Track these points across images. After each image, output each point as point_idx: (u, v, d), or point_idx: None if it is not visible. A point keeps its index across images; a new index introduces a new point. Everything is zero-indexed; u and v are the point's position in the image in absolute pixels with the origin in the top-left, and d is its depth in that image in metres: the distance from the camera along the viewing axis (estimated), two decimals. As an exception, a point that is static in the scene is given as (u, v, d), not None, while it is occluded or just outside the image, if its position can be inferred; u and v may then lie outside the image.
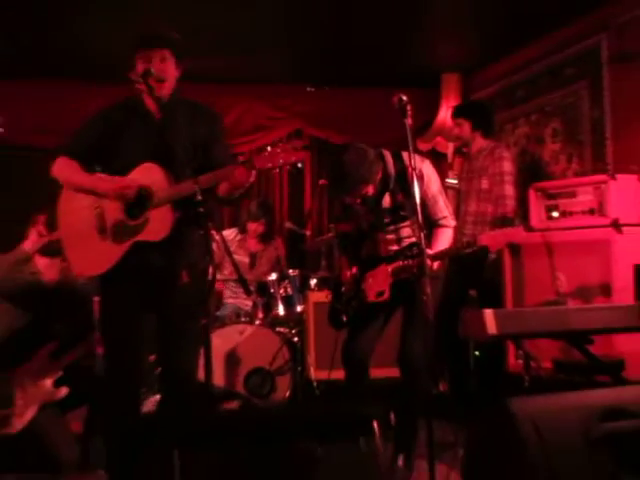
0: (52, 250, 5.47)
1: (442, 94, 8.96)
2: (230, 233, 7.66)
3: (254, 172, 3.96)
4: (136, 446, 2.83)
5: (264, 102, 9.23)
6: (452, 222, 4.98)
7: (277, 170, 9.12)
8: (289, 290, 7.05)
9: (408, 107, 4.40)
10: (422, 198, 4.72)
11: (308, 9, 6.99)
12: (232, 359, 6.54)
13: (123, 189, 4.00)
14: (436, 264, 4.71)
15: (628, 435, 3.05)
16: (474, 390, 6.61)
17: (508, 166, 6.59)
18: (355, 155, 4.74)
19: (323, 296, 6.90)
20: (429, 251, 4.52)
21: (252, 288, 6.92)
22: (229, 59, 8.15)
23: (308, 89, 9.19)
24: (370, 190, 4.82)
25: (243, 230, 7.67)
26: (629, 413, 3.09)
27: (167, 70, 4.10)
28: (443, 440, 5.20)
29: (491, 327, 3.48)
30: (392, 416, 5.05)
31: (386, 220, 4.94)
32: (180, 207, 3.99)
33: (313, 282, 7.30)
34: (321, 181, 8.61)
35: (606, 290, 5.80)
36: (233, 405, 6.34)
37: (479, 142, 6.82)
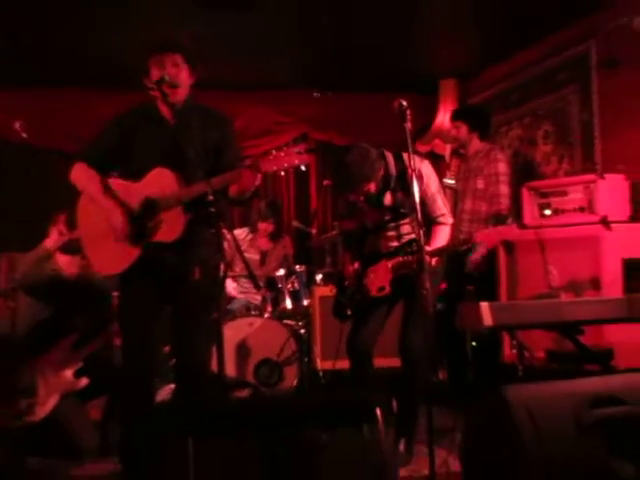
0: (72, 248, 5.47)
1: (440, 99, 8.96)
2: (241, 232, 7.67)
3: (260, 175, 3.95)
4: (151, 433, 2.82)
5: (271, 108, 9.22)
6: (450, 220, 4.98)
7: (283, 172, 9.10)
8: (296, 285, 7.08)
9: (408, 112, 4.40)
10: (421, 197, 4.71)
11: (312, 20, 7.00)
12: (242, 350, 6.54)
13: (119, 229, 4.04)
14: (434, 260, 4.70)
15: (617, 421, 3.05)
16: (471, 378, 6.60)
17: (503, 167, 6.60)
18: (358, 154, 4.74)
19: (328, 290, 6.87)
20: (427, 248, 4.51)
21: (261, 283, 6.93)
22: (238, 67, 8.16)
23: (314, 94, 9.17)
24: (372, 187, 4.82)
25: (254, 229, 7.68)
26: (618, 400, 3.08)
27: (180, 76, 4.09)
28: (442, 426, 5.19)
29: (487, 319, 3.48)
30: (394, 403, 5.05)
31: (387, 217, 4.94)
32: (192, 207, 3.99)
33: (319, 277, 7.29)
34: (325, 182, 8.61)
35: (596, 283, 5.79)
36: (243, 394, 6.34)
37: (475, 144, 6.83)
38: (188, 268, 4.03)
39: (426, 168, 4.91)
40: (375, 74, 8.50)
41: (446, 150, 8.35)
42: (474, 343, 6.74)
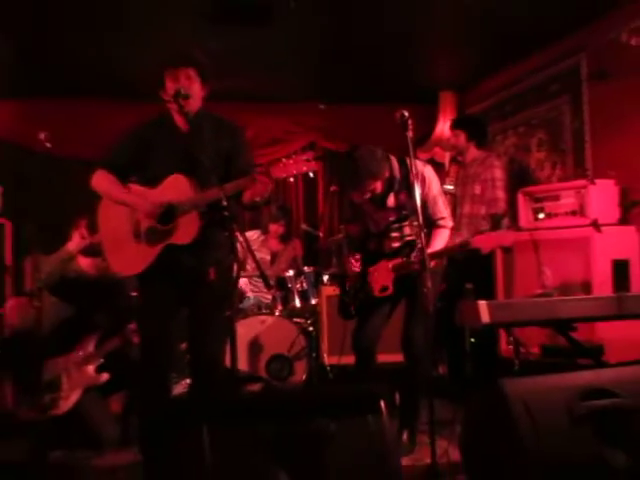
0: (93, 251, 5.48)
1: (439, 109, 8.96)
2: (253, 234, 7.68)
3: (272, 181, 3.95)
4: (169, 424, 2.82)
5: (281, 118, 9.22)
6: (450, 223, 4.96)
7: (292, 179, 9.13)
8: (305, 285, 7.08)
9: (409, 122, 4.40)
10: (423, 199, 4.74)
11: (320, 37, 7.03)
12: (254, 346, 6.54)
13: (152, 209, 4.03)
14: (432, 262, 4.68)
15: (608, 412, 3.05)
16: (470, 373, 6.60)
17: (499, 173, 6.60)
18: (366, 153, 4.75)
19: (334, 290, 6.90)
20: (427, 250, 4.50)
21: (272, 283, 6.94)
22: (250, 80, 8.17)
23: (321, 106, 9.17)
24: (378, 187, 4.81)
25: (265, 231, 7.70)
26: (609, 393, 3.09)
27: (192, 88, 4.09)
28: (442, 417, 5.17)
29: (485, 316, 3.48)
30: (397, 396, 5.05)
31: (391, 218, 4.93)
32: (207, 212, 3.99)
33: (326, 278, 7.29)
34: (332, 188, 8.61)
35: (587, 283, 5.80)
36: (256, 387, 6.34)
37: (473, 151, 6.83)
38: (203, 269, 4.03)
39: (429, 172, 4.91)
40: (379, 86, 8.50)
41: (445, 158, 8.35)
42: (472, 339, 6.74)
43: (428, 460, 4.25)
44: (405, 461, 4.51)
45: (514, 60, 7.69)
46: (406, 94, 8.22)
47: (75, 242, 5.70)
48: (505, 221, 6.66)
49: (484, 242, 4.61)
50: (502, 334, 6.44)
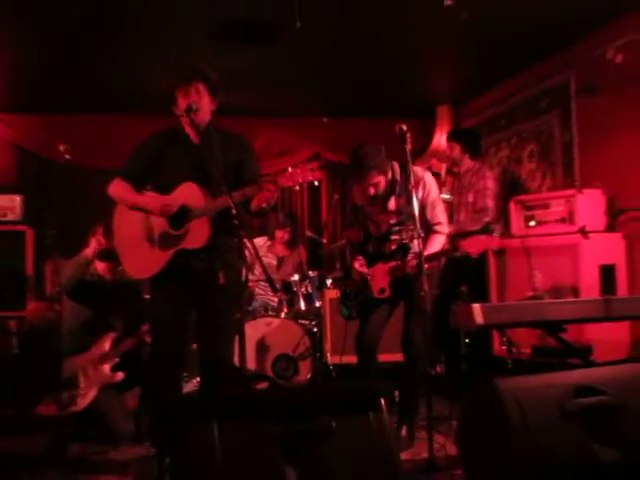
0: (109, 255, 5.48)
1: (436, 123, 8.97)
2: (260, 240, 7.66)
3: (278, 189, 3.94)
4: (180, 420, 2.82)
5: (287, 131, 9.23)
6: (446, 229, 4.94)
7: (298, 187, 9.15)
8: (309, 288, 7.09)
9: (407, 135, 4.42)
10: (423, 203, 4.76)
11: (324, 56, 7.04)
12: (261, 347, 6.53)
13: (166, 207, 4.02)
14: (426, 265, 4.64)
15: (596, 409, 3.03)
16: (465, 371, 6.60)
17: (490, 183, 6.59)
18: (371, 147, 4.78)
19: (337, 293, 6.91)
20: (420, 247, 4.47)
21: (278, 286, 6.93)
22: (259, 96, 8.20)
23: (324, 120, 9.18)
24: (381, 183, 4.81)
25: (272, 237, 7.68)
26: (597, 390, 3.07)
27: (202, 101, 4.08)
28: (440, 414, 5.18)
29: (479, 318, 3.47)
30: (396, 393, 5.03)
31: (392, 221, 4.92)
32: (217, 219, 3.99)
33: (329, 281, 7.29)
34: (335, 196, 8.62)
35: (575, 286, 5.79)
36: (263, 385, 6.33)
37: (467, 162, 6.83)
38: (214, 273, 4.02)
39: (429, 177, 4.92)
40: (379, 101, 8.51)
41: (442, 168, 8.35)
42: (467, 340, 6.74)
43: (426, 454, 4.26)
44: (404, 455, 4.49)
45: (507, 76, 7.71)
46: (405, 108, 8.25)
47: (92, 248, 5.71)
48: (497, 227, 6.66)
49: (472, 245, 4.62)
50: (495, 335, 6.44)
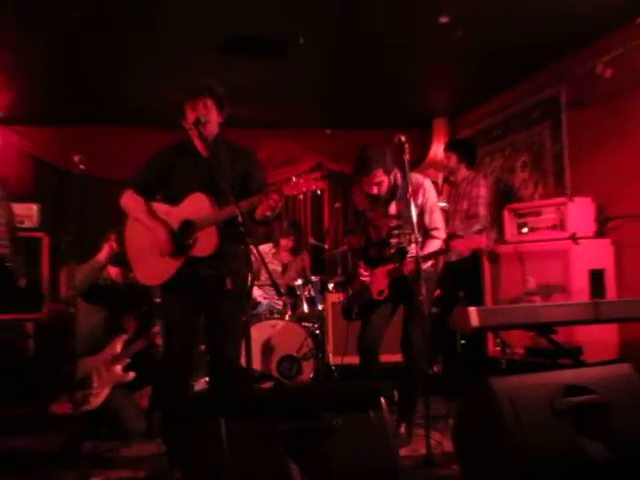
0: (121, 260, 5.48)
1: (433, 134, 8.96)
2: (266, 247, 7.65)
3: (282, 198, 3.95)
4: (189, 417, 2.82)
5: (291, 142, 9.23)
6: (442, 235, 4.92)
7: (301, 196, 9.16)
8: (312, 292, 7.11)
9: (406, 146, 4.43)
10: (422, 209, 4.77)
11: (327, 71, 7.08)
12: (267, 348, 6.53)
13: (163, 243, 4.05)
14: (424, 265, 4.64)
15: (585, 407, 3.04)
16: (461, 371, 6.59)
17: (483, 191, 6.61)
18: (376, 148, 4.76)
19: (338, 297, 6.94)
20: (419, 252, 4.48)
21: (282, 291, 6.94)
22: (264, 109, 8.22)
23: (327, 131, 9.19)
24: (384, 183, 4.80)
25: (277, 244, 7.68)
26: (587, 389, 3.08)
27: (210, 115, 4.08)
28: (437, 412, 5.18)
29: (474, 321, 3.48)
30: (396, 393, 5.03)
31: (392, 224, 4.92)
32: (225, 227, 4.00)
33: (331, 286, 7.30)
34: (337, 205, 8.64)
35: (566, 290, 5.79)
36: (268, 385, 6.34)
37: (463, 172, 6.84)
38: (221, 279, 4.02)
39: (428, 184, 4.91)
40: (379, 113, 8.52)
41: (439, 177, 8.35)
42: (463, 341, 6.74)
43: (424, 451, 4.26)
44: (403, 452, 4.50)
45: (500, 90, 7.72)
46: (403, 120, 8.27)
47: (105, 253, 5.71)
48: (491, 234, 6.68)
49: (462, 245, 4.65)
50: (490, 337, 6.44)
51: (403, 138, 4.43)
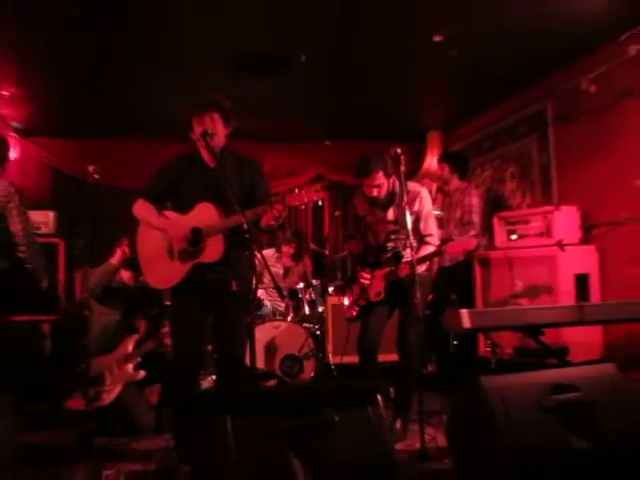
0: (133, 264, 5.48)
1: (427, 146, 8.99)
2: (269, 252, 7.65)
3: (286, 208, 3.95)
4: (197, 414, 2.82)
5: (293, 154, 9.25)
6: (436, 241, 4.92)
7: (303, 206, 9.15)
8: (313, 295, 7.09)
9: (401, 157, 4.43)
10: (417, 216, 4.77)
11: (326, 87, 7.10)
12: (270, 348, 6.52)
13: (181, 236, 4.04)
14: (418, 269, 4.64)
15: (572, 405, 3.04)
16: (454, 370, 6.59)
17: (476, 201, 6.60)
18: (377, 154, 4.78)
19: (338, 300, 6.94)
20: (414, 257, 4.48)
21: (285, 294, 6.94)
22: (268, 124, 8.26)
23: (326, 143, 9.20)
24: (384, 186, 4.81)
25: (279, 250, 7.67)
26: (573, 388, 3.07)
27: (216, 127, 4.08)
28: (431, 408, 5.17)
29: (466, 322, 3.47)
30: (391, 390, 5.02)
31: (390, 229, 4.92)
32: (231, 234, 3.99)
33: (331, 289, 7.30)
34: (337, 213, 8.64)
35: (552, 294, 5.79)
36: (272, 383, 6.33)
37: (455, 182, 6.84)
38: (227, 282, 4.02)
39: (425, 192, 4.92)
40: (377, 127, 8.54)
41: (433, 187, 8.36)
42: (456, 342, 6.73)
43: (418, 445, 4.25)
44: (399, 446, 4.49)
45: (490, 105, 7.75)
46: (399, 133, 8.30)
47: (117, 257, 5.72)
48: (482, 240, 6.69)
49: (454, 248, 4.67)
50: (481, 337, 6.44)
51: (399, 150, 4.44)
